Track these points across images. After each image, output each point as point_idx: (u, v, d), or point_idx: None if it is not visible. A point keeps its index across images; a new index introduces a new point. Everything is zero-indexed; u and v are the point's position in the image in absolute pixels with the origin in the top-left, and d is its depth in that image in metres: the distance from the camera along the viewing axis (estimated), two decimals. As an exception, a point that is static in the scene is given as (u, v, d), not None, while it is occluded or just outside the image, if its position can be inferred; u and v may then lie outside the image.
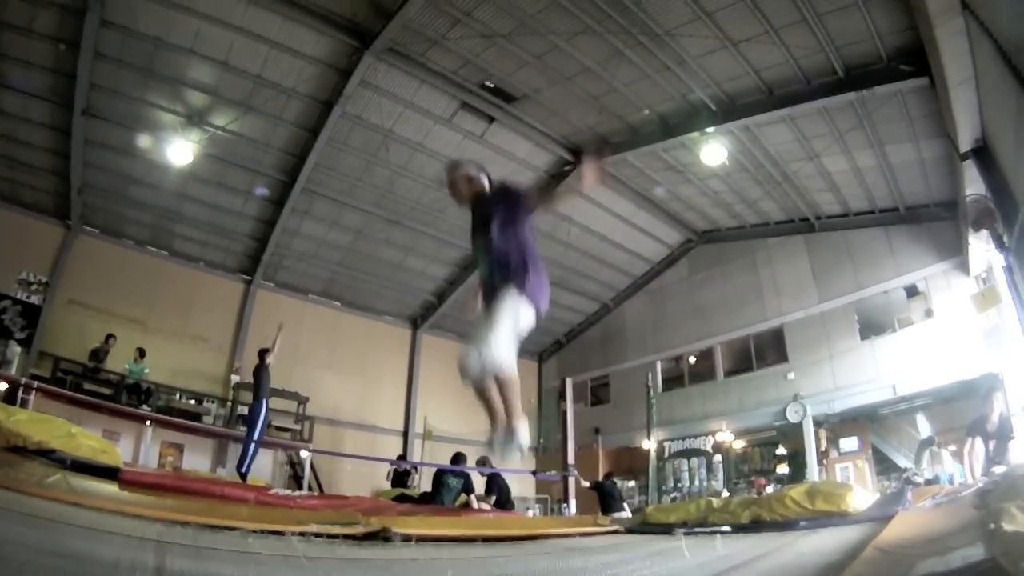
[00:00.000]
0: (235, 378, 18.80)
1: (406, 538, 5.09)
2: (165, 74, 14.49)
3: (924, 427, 16.85)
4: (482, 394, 4.19)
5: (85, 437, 6.71)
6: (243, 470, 11.97)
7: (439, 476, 11.51)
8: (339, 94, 15.03)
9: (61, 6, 12.68)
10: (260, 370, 12.96)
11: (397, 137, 16.76)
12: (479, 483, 12.02)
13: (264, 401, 12.64)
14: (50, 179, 16.70)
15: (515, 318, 4.05)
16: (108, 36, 13.38)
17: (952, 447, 13.67)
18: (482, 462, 12.49)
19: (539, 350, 28.01)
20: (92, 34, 13.02)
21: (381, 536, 4.99)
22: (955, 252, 15.90)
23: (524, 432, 4.18)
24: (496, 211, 4.45)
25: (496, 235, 4.36)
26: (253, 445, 12.33)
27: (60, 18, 12.90)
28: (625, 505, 14.83)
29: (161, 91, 14.98)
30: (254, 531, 4.33)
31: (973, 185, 12.09)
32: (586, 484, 14.47)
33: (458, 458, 11.95)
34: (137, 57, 14.01)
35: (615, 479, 15.72)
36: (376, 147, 17.02)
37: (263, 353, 13.06)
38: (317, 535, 4.63)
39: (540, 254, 4.44)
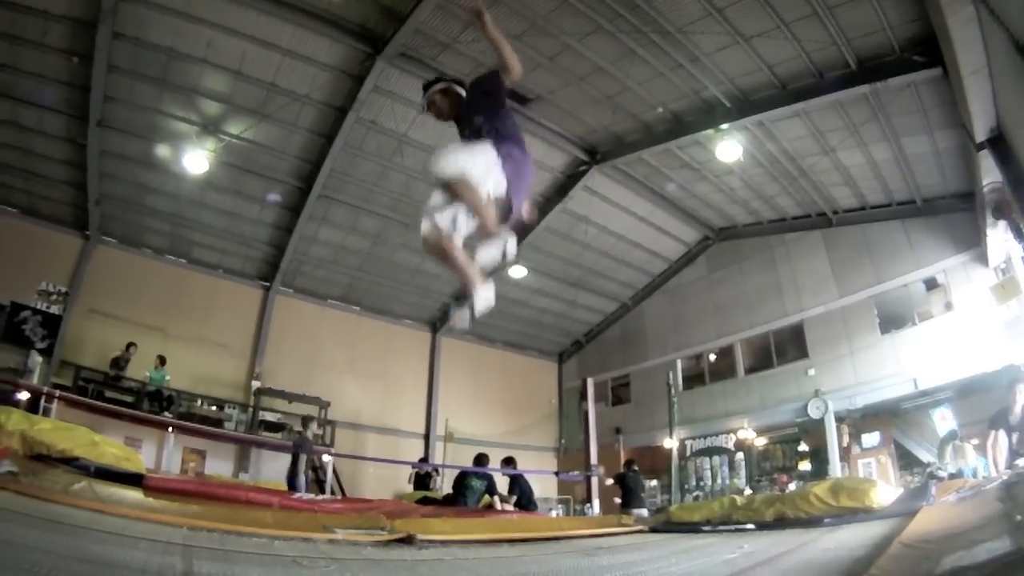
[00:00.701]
0: (256, 384, 18.90)
1: (432, 543, 5.11)
2: (179, 84, 14.60)
3: (940, 422, 16.70)
4: (445, 256, 4.09)
5: (108, 445, 6.77)
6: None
7: (462, 478, 11.50)
8: (353, 100, 15.08)
9: (72, 19, 12.81)
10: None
11: (412, 141, 16.78)
12: (502, 484, 12.02)
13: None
14: (68, 190, 16.87)
15: (479, 157, 4.06)
16: (121, 48, 13.51)
17: (975, 440, 13.54)
18: (507, 462, 12.51)
19: (559, 351, 28.01)
20: (104, 46, 13.15)
21: (406, 542, 5.01)
22: (973, 243, 15.74)
23: (480, 295, 4.08)
24: (472, 105, 4.57)
25: (478, 125, 4.42)
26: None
27: (72, 31, 13.04)
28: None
29: (175, 101, 15.08)
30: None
31: (990, 175, 11.98)
32: (610, 481, 14.41)
33: (481, 459, 11.93)
34: (150, 68, 14.12)
35: (635, 467, 15.47)
36: (391, 152, 17.06)
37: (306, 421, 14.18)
38: (343, 541, 4.66)
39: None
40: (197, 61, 14.08)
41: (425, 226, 4.00)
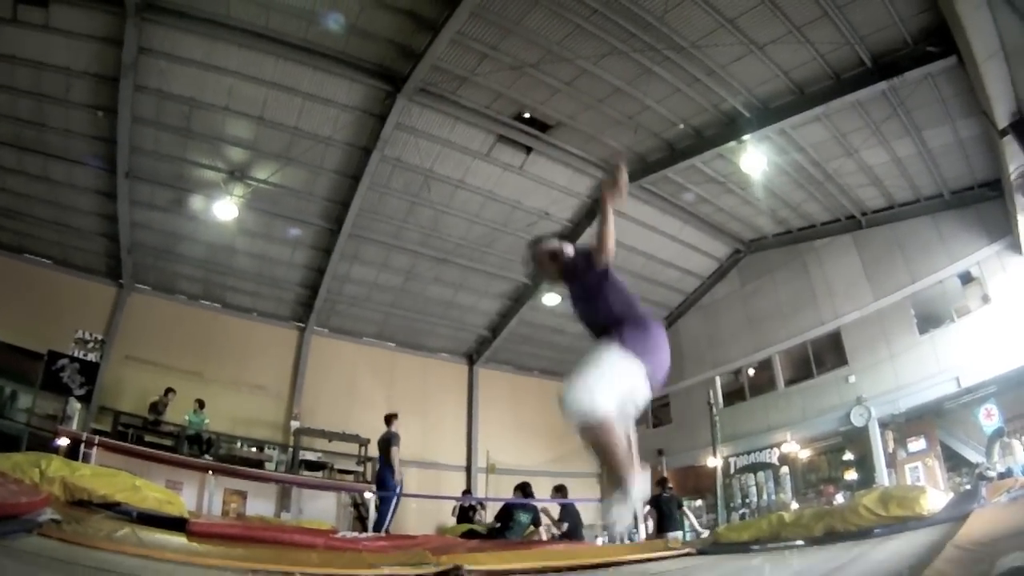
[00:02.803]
0: (294, 424, 18.98)
1: (478, 574, 5.07)
2: (203, 132, 14.91)
3: (986, 419, 16.37)
4: (588, 439, 3.58)
5: (149, 489, 6.78)
6: (385, 530, 12.38)
7: (508, 511, 11.37)
8: (376, 138, 15.26)
9: (94, 75, 13.17)
10: (386, 440, 13.08)
11: (437, 176, 16.94)
12: (552, 511, 11.93)
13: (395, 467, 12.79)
14: (100, 241, 17.26)
15: (613, 369, 3.64)
16: (143, 100, 13.87)
17: (1024, 436, 13.28)
18: (558, 490, 12.43)
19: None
20: (128, 99, 13.50)
21: (453, 573, 4.98)
22: (1005, 232, 15.48)
23: (637, 486, 3.61)
24: (581, 280, 4.39)
25: (589, 302, 4.29)
26: (392, 502, 12.66)
27: (95, 86, 13.46)
28: (692, 520, 14.41)
29: (200, 149, 15.39)
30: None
31: (1016, 159, 11.88)
32: (645, 508, 14.07)
33: (525, 488, 11.81)
34: (174, 118, 14.44)
35: (670, 487, 14.54)
36: (418, 187, 17.22)
37: (389, 419, 13.30)
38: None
39: None
40: (219, 109, 14.38)
41: (575, 412, 3.47)
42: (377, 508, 13.02)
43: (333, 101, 14.57)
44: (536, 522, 11.28)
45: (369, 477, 18.39)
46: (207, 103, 14.23)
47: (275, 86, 14.06)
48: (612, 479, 3.64)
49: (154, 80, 13.55)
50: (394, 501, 12.70)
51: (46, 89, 13.41)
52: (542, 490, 12.86)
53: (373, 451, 18.47)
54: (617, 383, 3.61)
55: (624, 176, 4.10)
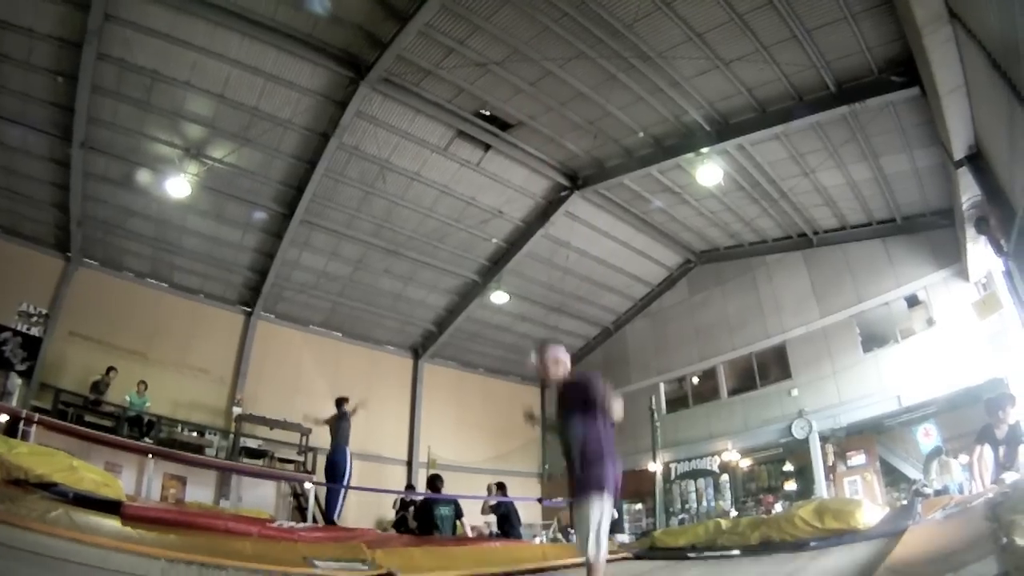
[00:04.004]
0: (237, 410, 18.73)
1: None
2: (162, 107, 14.55)
3: (925, 438, 16.73)
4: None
5: (87, 470, 6.66)
6: (334, 517, 12.63)
7: (427, 510, 11.31)
8: (335, 125, 15.10)
9: (58, 39, 12.76)
10: (338, 418, 13.32)
11: (394, 167, 16.84)
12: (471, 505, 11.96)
13: (346, 449, 13.03)
14: (50, 211, 16.77)
15: (600, 516, 4.68)
16: (105, 69, 13.48)
17: (963, 455, 13.56)
18: (500, 487, 12.45)
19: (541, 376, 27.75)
20: (89, 67, 13.10)
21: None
22: (954, 259, 15.85)
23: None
24: (579, 401, 5.00)
25: (580, 425, 4.96)
26: (342, 491, 12.87)
27: (57, 51, 13.00)
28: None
29: (159, 124, 15.03)
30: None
31: (968, 191, 12.14)
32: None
33: (433, 480, 11.85)
34: (135, 90, 14.09)
35: None
36: (373, 178, 17.09)
37: (341, 402, 13.52)
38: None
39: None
40: (181, 84, 14.06)
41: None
42: (325, 497, 13.04)
43: (295, 84, 14.37)
44: (459, 515, 11.26)
45: (310, 467, 18.26)
46: (169, 77, 13.90)
47: (238, 64, 13.80)
48: None
49: (118, 49, 13.19)
50: (346, 477, 12.80)
51: (7, 50, 12.97)
52: (483, 488, 12.88)
53: (315, 441, 18.37)
54: (600, 522, 4.67)
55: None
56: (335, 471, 13.05)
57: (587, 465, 4.83)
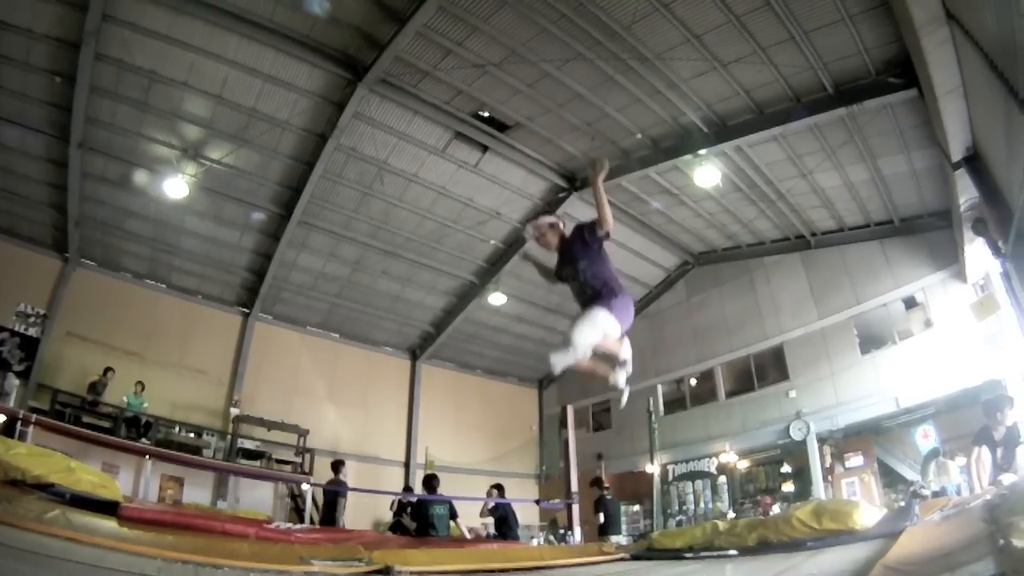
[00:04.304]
0: (234, 411, 18.71)
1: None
2: (160, 107, 14.55)
3: (923, 439, 16.76)
4: (580, 369, 5.20)
5: (84, 471, 6.64)
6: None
7: (423, 510, 11.34)
8: (333, 126, 15.10)
9: (56, 39, 12.75)
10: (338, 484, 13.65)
11: (392, 169, 16.84)
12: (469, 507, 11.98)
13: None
14: (48, 212, 16.75)
15: (601, 324, 4.90)
16: (103, 69, 13.47)
17: (960, 456, 13.57)
18: (497, 488, 12.46)
19: (539, 377, 27.94)
20: (87, 67, 13.08)
21: (384, 574, 4.94)
22: (951, 261, 15.88)
23: (627, 351, 5.45)
24: (578, 249, 5.40)
25: (581, 269, 5.33)
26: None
27: (55, 51, 12.98)
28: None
29: (157, 125, 15.02)
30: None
31: (966, 193, 12.15)
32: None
33: (428, 480, 11.88)
34: (132, 90, 14.08)
35: (607, 487, 14.37)
36: (371, 179, 17.09)
37: (337, 465, 13.83)
38: (320, 574, 4.59)
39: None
40: (179, 85, 14.05)
41: (559, 365, 4.74)
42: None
43: (293, 85, 14.37)
44: (453, 515, 11.30)
45: (307, 468, 18.26)
46: (167, 77, 13.88)
47: (236, 65, 13.79)
48: (609, 363, 5.40)
49: (116, 49, 13.18)
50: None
51: (5, 50, 12.94)
52: (481, 489, 12.89)
53: (312, 442, 18.40)
54: (603, 332, 4.92)
55: (605, 167, 5.16)
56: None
57: (595, 297, 5.13)
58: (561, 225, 5.72)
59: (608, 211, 5.14)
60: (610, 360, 5.29)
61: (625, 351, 5.27)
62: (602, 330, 4.88)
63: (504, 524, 12.08)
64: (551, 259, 5.91)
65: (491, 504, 12.57)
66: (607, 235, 5.31)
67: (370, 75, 13.89)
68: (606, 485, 14.21)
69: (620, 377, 5.36)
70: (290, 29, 13.25)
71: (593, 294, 5.19)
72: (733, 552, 7.17)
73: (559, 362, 4.68)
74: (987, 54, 7.78)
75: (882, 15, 11.30)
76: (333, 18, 12.98)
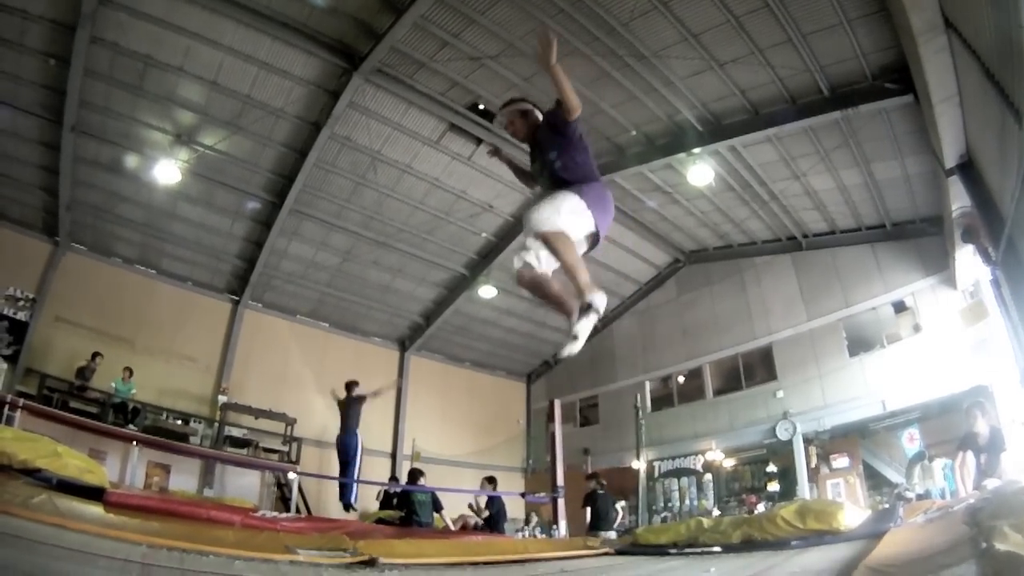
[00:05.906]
0: (222, 398, 18.70)
1: (395, 567, 5.05)
2: (155, 92, 14.46)
3: (908, 443, 16.85)
4: (540, 292, 4.42)
5: (71, 456, 6.61)
6: (351, 501, 13.27)
7: (406, 496, 11.47)
8: (328, 115, 15.05)
9: (51, 21, 12.65)
10: (349, 402, 13.76)
11: (385, 159, 16.81)
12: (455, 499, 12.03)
13: (356, 431, 13.56)
14: (39, 195, 16.63)
15: (566, 207, 4.28)
16: (98, 53, 13.36)
17: (945, 460, 13.66)
18: (490, 481, 12.48)
19: (527, 371, 27.98)
20: (82, 50, 12.98)
21: (369, 565, 4.95)
22: (942, 267, 15.98)
23: (600, 299, 4.14)
24: (547, 138, 4.81)
25: (551, 160, 4.72)
26: (354, 475, 13.26)
27: (50, 33, 12.87)
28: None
29: (151, 109, 14.94)
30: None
31: (958, 200, 12.22)
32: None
33: (412, 474, 11.98)
34: (127, 74, 13.99)
35: (603, 483, 14.28)
36: (364, 169, 17.05)
37: (350, 385, 13.93)
38: (305, 563, 4.59)
39: None
40: (174, 70, 13.97)
41: (518, 263, 4.34)
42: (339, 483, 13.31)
43: (289, 73, 14.31)
44: (437, 506, 11.39)
45: (294, 457, 18.24)
46: (162, 62, 13.80)
47: (232, 51, 13.73)
48: (575, 307, 4.21)
49: (111, 33, 13.09)
50: (356, 469, 12.99)
51: (0, 31, 12.91)
52: (467, 481, 12.89)
53: (300, 431, 18.37)
54: (572, 219, 4.26)
55: (554, 43, 4.32)
56: (345, 453, 13.54)
57: (571, 182, 4.55)
58: (537, 114, 5.12)
59: (571, 93, 4.46)
60: (578, 295, 4.21)
61: (599, 299, 4.11)
62: (567, 215, 4.23)
63: (493, 517, 12.13)
64: (526, 160, 5.40)
65: (483, 498, 12.63)
66: (576, 121, 4.66)
67: (366, 65, 13.85)
68: (602, 481, 14.23)
69: (582, 323, 4.12)
70: (287, 17, 13.20)
71: (563, 184, 4.58)
72: (717, 549, 7.21)
73: (518, 262, 4.31)
74: (984, 63, 7.82)
75: (880, 21, 11.32)
76: (330, 7, 12.95)
